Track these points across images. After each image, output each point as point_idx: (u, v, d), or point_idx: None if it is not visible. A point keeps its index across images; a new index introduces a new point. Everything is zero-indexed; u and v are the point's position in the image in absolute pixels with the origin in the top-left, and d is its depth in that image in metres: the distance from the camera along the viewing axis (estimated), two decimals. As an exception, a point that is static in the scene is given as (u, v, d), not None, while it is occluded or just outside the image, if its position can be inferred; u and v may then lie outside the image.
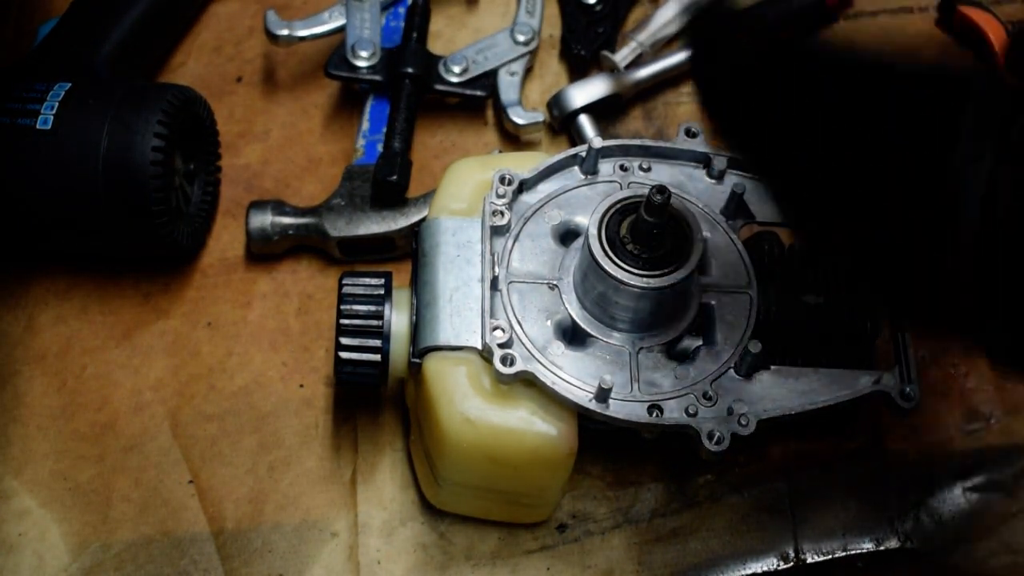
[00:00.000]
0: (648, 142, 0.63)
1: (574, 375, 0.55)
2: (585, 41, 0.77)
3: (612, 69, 0.76)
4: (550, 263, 0.59)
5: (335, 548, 0.63)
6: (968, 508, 0.63)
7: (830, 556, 0.62)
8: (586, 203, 0.60)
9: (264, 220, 0.70)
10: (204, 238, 0.72)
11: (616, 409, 0.55)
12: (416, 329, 0.57)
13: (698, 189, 0.62)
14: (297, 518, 0.64)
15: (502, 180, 0.59)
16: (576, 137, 0.75)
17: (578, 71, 0.78)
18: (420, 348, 0.56)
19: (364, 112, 0.75)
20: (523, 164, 0.60)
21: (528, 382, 0.55)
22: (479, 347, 0.55)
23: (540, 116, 0.75)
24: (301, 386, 0.68)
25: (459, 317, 0.56)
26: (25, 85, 0.66)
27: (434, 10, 0.79)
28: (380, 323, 0.58)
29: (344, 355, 0.58)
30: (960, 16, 0.78)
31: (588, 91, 0.75)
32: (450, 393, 0.55)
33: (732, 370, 0.57)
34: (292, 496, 0.64)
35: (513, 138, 0.76)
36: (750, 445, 0.57)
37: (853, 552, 0.62)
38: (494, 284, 0.57)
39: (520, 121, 0.74)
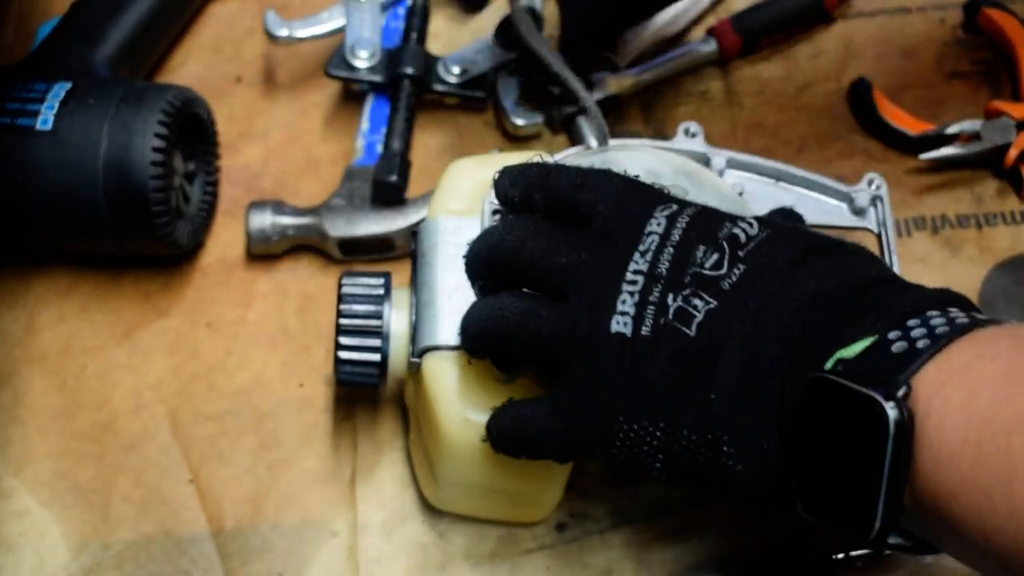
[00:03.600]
0: (646, 142, 0.63)
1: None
2: None
3: (612, 69, 0.76)
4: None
5: (335, 547, 0.63)
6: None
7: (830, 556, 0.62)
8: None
9: (264, 220, 0.70)
10: (204, 238, 0.72)
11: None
12: (415, 329, 0.57)
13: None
14: (296, 517, 0.64)
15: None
16: (575, 137, 0.75)
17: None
18: (419, 348, 0.56)
19: (363, 112, 0.75)
20: (522, 164, 0.60)
21: (528, 381, 0.55)
22: (479, 347, 0.55)
23: (540, 116, 0.75)
24: (301, 386, 0.68)
25: (459, 317, 0.56)
26: (25, 85, 0.66)
27: (433, 10, 0.79)
28: (379, 323, 0.58)
29: (343, 355, 0.58)
30: (985, 18, 0.78)
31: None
32: (450, 393, 0.55)
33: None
34: (291, 495, 0.64)
35: (513, 138, 0.76)
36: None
37: (854, 553, 0.62)
38: (493, 284, 0.57)
39: (520, 122, 0.74)
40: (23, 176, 0.64)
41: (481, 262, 0.52)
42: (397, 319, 0.59)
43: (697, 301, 0.45)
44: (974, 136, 0.72)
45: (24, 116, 0.65)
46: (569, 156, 0.59)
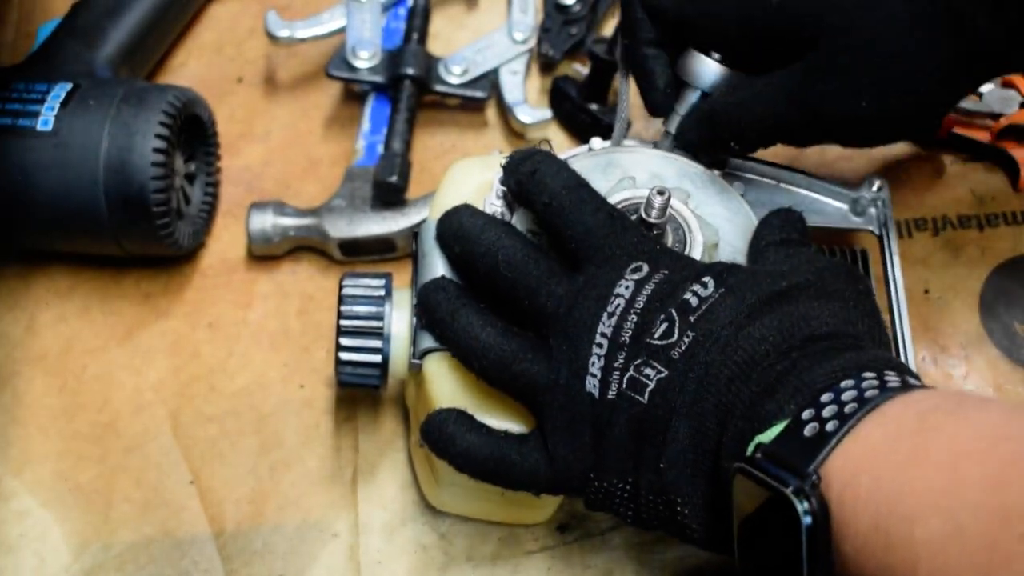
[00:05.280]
0: (648, 144, 0.63)
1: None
2: (557, 42, 0.77)
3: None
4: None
5: (336, 548, 0.63)
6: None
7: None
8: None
9: (265, 221, 0.70)
10: (204, 239, 0.72)
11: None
12: (417, 330, 0.57)
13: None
14: (298, 518, 0.64)
15: (503, 181, 0.59)
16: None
17: (548, 71, 0.78)
18: (420, 349, 0.56)
19: (364, 113, 0.75)
20: (523, 165, 0.60)
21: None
22: (479, 348, 0.55)
23: (548, 114, 0.75)
24: (302, 387, 0.68)
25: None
26: (25, 86, 0.66)
27: (434, 11, 0.79)
28: (380, 324, 0.58)
29: (344, 356, 0.58)
30: None
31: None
32: (451, 394, 0.55)
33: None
34: (293, 497, 0.64)
35: (519, 137, 0.76)
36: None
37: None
38: (495, 285, 0.57)
39: (527, 120, 0.74)
40: (24, 177, 0.65)
41: (457, 255, 0.55)
42: (398, 320, 0.59)
43: (649, 371, 0.47)
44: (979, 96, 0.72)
45: (25, 117, 0.65)
46: (574, 157, 0.59)
